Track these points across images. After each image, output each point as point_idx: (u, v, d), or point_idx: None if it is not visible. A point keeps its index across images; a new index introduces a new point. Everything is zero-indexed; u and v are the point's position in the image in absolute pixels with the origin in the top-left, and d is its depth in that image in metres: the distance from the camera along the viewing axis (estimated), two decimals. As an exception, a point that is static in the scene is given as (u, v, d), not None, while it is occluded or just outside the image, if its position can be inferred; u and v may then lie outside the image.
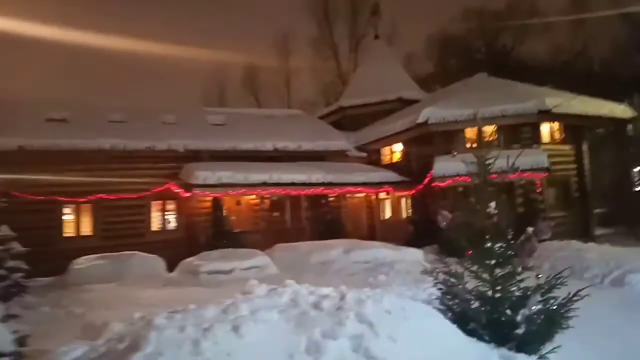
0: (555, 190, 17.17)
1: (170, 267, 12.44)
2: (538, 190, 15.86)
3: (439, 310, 4.33)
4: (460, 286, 4.49)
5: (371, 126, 20.59)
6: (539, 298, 4.15)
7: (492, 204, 4.54)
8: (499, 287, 4.28)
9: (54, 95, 24.08)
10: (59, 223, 14.74)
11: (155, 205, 16.12)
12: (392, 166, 18.98)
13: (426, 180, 16.17)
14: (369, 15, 32.01)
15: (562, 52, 35.45)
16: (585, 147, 17.82)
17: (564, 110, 15.71)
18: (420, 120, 16.85)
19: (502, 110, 15.78)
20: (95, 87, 42.72)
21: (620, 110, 17.59)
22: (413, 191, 17.35)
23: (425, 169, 16.36)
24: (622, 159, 21.21)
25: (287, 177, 15.81)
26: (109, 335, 4.32)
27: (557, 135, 17.41)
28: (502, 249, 4.29)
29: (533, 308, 4.08)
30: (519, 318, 4.07)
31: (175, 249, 14.06)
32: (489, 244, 4.35)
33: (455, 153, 14.68)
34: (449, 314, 4.36)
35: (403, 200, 18.81)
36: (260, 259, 11.85)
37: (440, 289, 4.61)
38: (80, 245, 13.87)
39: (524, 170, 14.21)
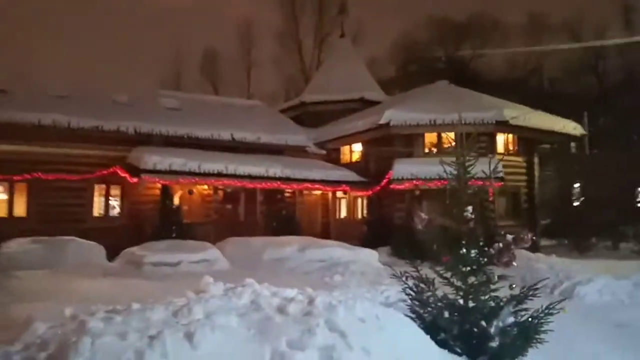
0: (505, 200, 17.64)
1: (112, 257, 11.57)
2: (490, 199, 16.19)
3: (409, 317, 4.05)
4: (430, 293, 4.24)
5: (332, 124, 20.34)
6: (512, 309, 3.97)
7: (469, 209, 4.34)
8: (471, 296, 4.07)
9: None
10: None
11: (98, 189, 15.02)
12: (350, 165, 18.81)
13: (384, 182, 16.09)
14: (336, 13, 31.82)
15: (517, 68, 36.88)
16: (536, 159, 18.44)
17: (520, 122, 16.12)
18: (382, 121, 16.77)
19: (461, 118, 15.89)
20: (40, 58, 39.69)
21: (571, 127, 18.34)
22: (370, 192, 17.26)
23: (384, 170, 16.30)
24: (564, 174, 22.21)
25: (244, 169, 15.20)
26: (30, 338, 3.55)
27: (511, 147, 17.90)
28: (477, 256, 4.08)
29: (507, 320, 3.89)
30: (492, 330, 3.87)
31: (118, 238, 13.07)
32: (464, 250, 4.13)
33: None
34: (418, 322, 4.09)
35: (359, 200, 18.69)
36: (210, 252, 11.24)
37: (409, 294, 4.34)
38: (13, 228, 12.60)
39: (480, 179, 14.45)
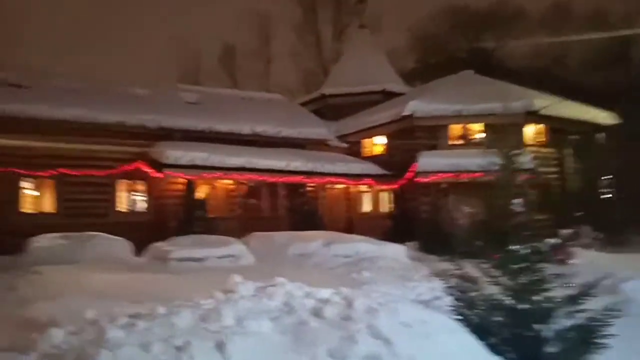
0: (536, 194, 17.00)
1: (138, 252, 11.52)
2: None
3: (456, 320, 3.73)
4: (476, 292, 3.92)
5: (354, 116, 19.96)
6: (569, 311, 3.62)
7: (518, 201, 3.98)
8: (523, 297, 3.72)
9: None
10: (16, 197, 13.47)
11: (122, 185, 15.00)
12: (372, 159, 18.41)
13: (409, 175, 15.68)
14: (355, 3, 31.25)
15: (541, 57, 35.69)
16: (567, 151, 17.73)
17: (551, 112, 15.50)
18: (405, 112, 16.36)
19: (490, 109, 15.26)
20: (56, 52, 40.04)
21: (602, 116, 17.58)
22: (396, 185, 16.83)
23: (408, 163, 15.88)
24: (595, 166, 21.39)
25: (265, 163, 14.99)
26: (46, 346, 3.27)
27: (541, 138, 17.23)
28: (529, 253, 3.73)
29: (565, 323, 3.54)
30: (548, 334, 3.52)
31: (143, 233, 12.99)
32: (513, 247, 3.78)
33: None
34: (465, 325, 3.77)
35: (383, 194, 18.30)
36: (235, 247, 11.07)
37: (453, 294, 4.02)
38: (42, 223, 12.64)
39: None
